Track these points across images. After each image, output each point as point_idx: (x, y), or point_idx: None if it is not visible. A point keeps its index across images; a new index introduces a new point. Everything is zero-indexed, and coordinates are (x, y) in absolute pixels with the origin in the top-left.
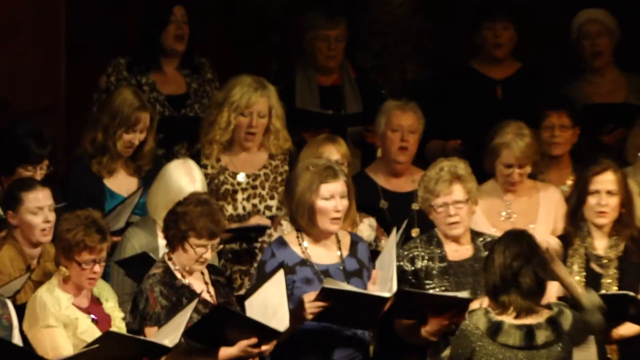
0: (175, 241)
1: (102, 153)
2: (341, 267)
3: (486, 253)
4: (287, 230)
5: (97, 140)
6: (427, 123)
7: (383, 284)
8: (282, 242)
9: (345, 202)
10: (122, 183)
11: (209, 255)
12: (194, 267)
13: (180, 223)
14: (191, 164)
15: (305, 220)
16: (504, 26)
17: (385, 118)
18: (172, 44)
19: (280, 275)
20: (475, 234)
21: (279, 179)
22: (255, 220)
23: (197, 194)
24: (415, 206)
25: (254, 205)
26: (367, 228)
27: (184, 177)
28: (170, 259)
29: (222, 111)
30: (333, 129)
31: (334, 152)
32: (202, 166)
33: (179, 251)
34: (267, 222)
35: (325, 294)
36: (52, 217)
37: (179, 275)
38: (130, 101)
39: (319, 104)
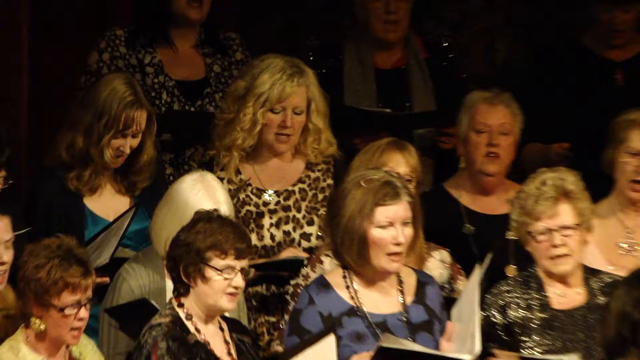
0: (190, 273)
1: (83, 164)
2: (404, 318)
3: (604, 299)
4: (330, 268)
5: (76, 146)
6: (525, 121)
7: (461, 341)
8: (323, 285)
9: (409, 231)
10: (108, 204)
11: (241, 282)
12: (222, 303)
13: (193, 245)
14: (211, 180)
15: (354, 255)
16: (624, 9)
17: (469, 115)
18: (183, 9)
19: (330, 342)
20: (589, 273)
21: (320, 196)
22: (288, 254)
23: (205, 212)
24: (509, 235)
25: (287, 234)
26: (438, 265)
27: (204, 200)
28: (181, 305)
29: (245, 106)
30: (394, 131)
31: (401, 164)
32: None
33: (196, 287)
34: (304, 256)
35: (382, 355)
36: (7, 256)
37: (192, 329)
38: (121, 94)
39: (374, 95)
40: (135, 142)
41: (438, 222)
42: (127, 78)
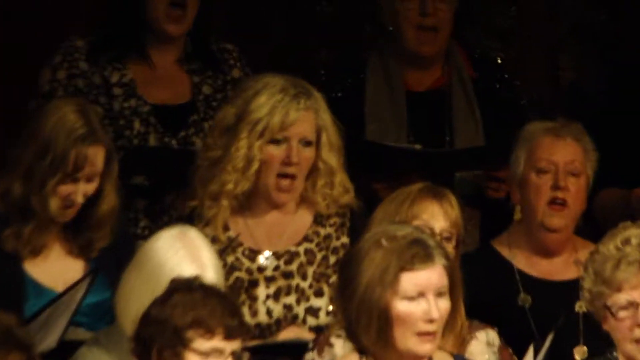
0: (165, 359)
1: (22, 217)
2: None
3: None
4: (342, 352)
5: (13, 193)
6: (599, 159)
7: None
8: None
9: (444, 304)
10: (56, 270)
11: None
12: None
13: (169, 323)
14: (195, 237)
15: (373, 335)
16: None
17: (527, 150)
18: (161, 19)
19: None
20: None
21: (332, 259)
22: (289, 335)
23: (183, 279)
24: (580, 307)
25: (288, 308)
26: (484, 348)
27: (185, 263)
28: None
29: (237, 139)
30: (428, 174)
31: (438, 217)
32: None
33: None
34: (309, 337)
35: None
36: None
37: None
38: (70, 125)
39: (405, 125)
40: (90, 188)
41: (484, 291)
42: (80, 105)
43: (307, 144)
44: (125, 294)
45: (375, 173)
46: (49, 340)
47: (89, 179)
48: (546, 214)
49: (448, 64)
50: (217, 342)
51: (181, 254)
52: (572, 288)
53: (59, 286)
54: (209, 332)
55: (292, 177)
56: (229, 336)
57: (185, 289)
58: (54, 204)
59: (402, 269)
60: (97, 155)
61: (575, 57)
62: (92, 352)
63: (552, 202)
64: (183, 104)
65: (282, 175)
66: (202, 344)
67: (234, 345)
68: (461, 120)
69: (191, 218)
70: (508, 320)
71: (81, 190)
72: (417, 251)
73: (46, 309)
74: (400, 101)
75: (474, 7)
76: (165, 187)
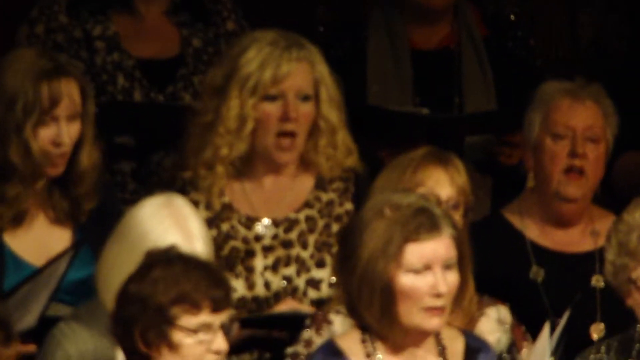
0: (151, 340)
1: (2, 177)
2: None
3: None
4: (341, 329)
5: None
6: (621, 123)
7: None
8: (333, 353)
9: (453, 277)
10: (39, 242)
11: (223, 344)
12: None
13: (151, 301)
14: (182, 206)
15: (376, 311)
16: None
17: (542, 114)
18: None
19: None
20: None
21: (335, 227)
22: (288, 306)
23: (158, 251)
24: (597, 281)
25: (287, 279)
26: (495, 326)
27: (171, 232)
28: None
29: (228, 98)
30: (436, 140)
31: (444, 183)
32: None
33: (161, 359)
34: (308, 311)
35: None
36: None
37: None
38: (35, 64)
39: (411, 87)
40: (73, 129)
41: (494, 264)
42: (41, 50)
43: (305, 98)
44: (106, 266)
45: (379, 139)
46: (28, 319)
47: (70, 118)
48: (562, 182)
49: (457, 20)
50: (205, 317)
51: (167, 223)
52: (588, 261)
53: (41, 260)
54: (195, 307)
55: (292, 134)
56: (216, 309)
57: (164, 262)
58: (37, 149)
59: (407, 239)
60: (71, 89)
61: (595, 13)
62: (72, 327)
63: (569, 170)
64: (171, 58)
65: (282, 134)
66: (189, 320)
67: (223, 317)
68: (471, 81)
69: (182, 191)
70: (519, 295)
71: (65, 132)
72: (423, 221)
73: (24, 285)
74: (406, 60)
75: None
76: (151, 145)
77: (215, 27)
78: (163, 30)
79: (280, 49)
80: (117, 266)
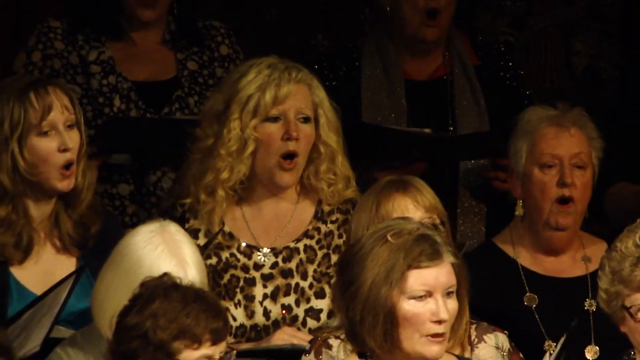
0: None
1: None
2: None
3: None
4: (342, 356)
5: None
6: (613, 150)
7: None
8: None
9: (453, 304)
10: (44, 270)
11: None
12: None
13: (151, 336)
14: (176, 232)
15: (379, 337)
16: None
17: (529, 143)
18: (133, 7)
19: None
20: None
21: (334, 258)
22: (285, 334)
23: (153, 281)
24: (590, 305)
25: (287, 308)
26: (492, 352)
27: (164, 259)
28: None
29: (229, 120)
30: (434, 162)
31: (410, 209)
32: (188, 233)
33: None
34: (305, 342)
35: None
36: None
37: None
38: (16, 81)
39: (405, 116)
40: (75, 136)
41: (489, 292)
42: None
43: (305, 119)
44: (101, 292)
45: (377, 159)
46: (31, 345)
47: (68, 126)
48: (553, 212)
49: (449, 51)
50: (205, 350)
51: (160, 249)
52: (580, 285)
53: (41, 287)
54: (196, 342)
55: (294, 154)
56: (216, 341)
57: (162, 293)
58: (24, 165)
59: (409, 266)
60: (60, 97)
61: (590, 41)
62: (67, 353)
63: (559, 200)
64: (166, 80)
65: (284, 156)
66: (190, 354)
67: (222, 347)
68: (464, 110)
69: (182, 218)
70: (515, 322)
71: (67, 137)
72: (425, 248)
73: (27, 311)
74: (399, 90)
75: None
76: (149, 164)
77: (209, 51)
78: (158, 53)
79: (279, 70)
80: (112, 292)
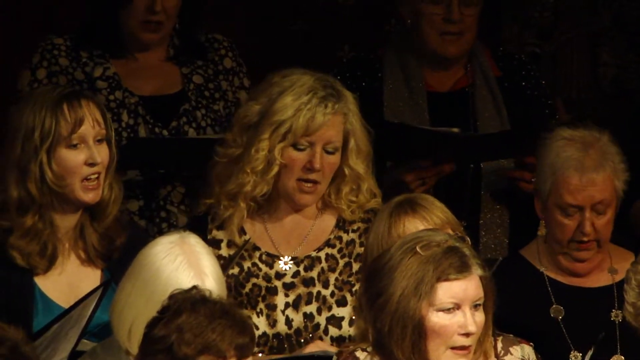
0: None
1: (21, 213)
2: None
3: None
4: None
5: (8, 196)
6: (636, 162)
7: None
8: None
9: (480, 317)
10: (69, 282)
11: None
12: None
13: (176, 350)
14: (195, 244)
15: (407, 349)
16: None
17: (552, 181)
18: (137, 31)
19: None
20: None
21: (356, 267)
22: (314, 349)
23: (182, 294)
24: (616, 315)
25: (308, 317)
26: None
27: (183, 271)
28: None
29: (259, 139)
30: (460, 163)
31: (420, 229)
32: (211, 244)
33: None
34: (332, 351)
35: None
36: None
37: None
38: (50, 91)
39: (427, 127)
40: (104, 151)
41: (515, 303)
42: (56, 85)
43: (332, 151)
44: (120, 303)
45: (403, 159)
46: (57, 359)
47: (97, 140)
48: (572, 248)
49: (471, 63)
50: None
51: (179, 260)
52: (607, 295)
53: (70, 302)
54: (221, 357)
55: (314, 183)
56: (241, 357)
57: (189, 307)
58: (51, 176)
59: (438, 279)
60: (93, 111)
61: (617, 52)
62: None
63: (579, 242)
64: (173, 94)
65: (303, 181)
66: None
67: None
68: (486, 121)
69: (204, 218)
70: (541, 333)
71: (96, 151)
72: (454, 260)
73: (53, 325)
74: (422, 102)
75: (512, 1)
76: (157, 181)
77: (214, 64)
78: (162, 68)
79: (317, 98)
80: (130, 303)
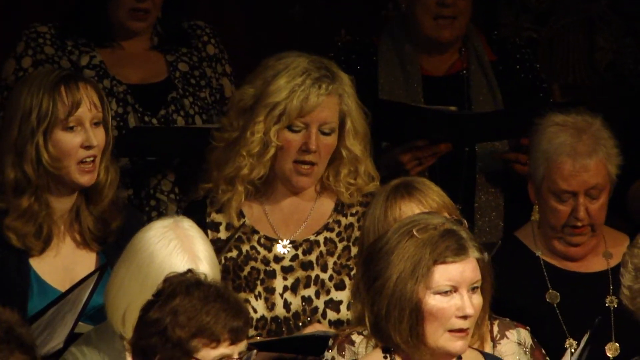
0: None
1: (18, 193)
2: None
3: None
4: (363, 350)
5: (6, 176)
6: (635, 146)
7: None
8: None
9: (478, 300)
10: (64, 265)
11: None
12: None
13: (170, 333)
14: (189, 228)
15: (405, 331)
16: None
17: (545, 167)
18: (124, 19)
19: None
20: None
21: (354, 250)
22: (314, 329)
23: (177, 277)
24: (611, 301)
25: (307, 300)
26: (515, 348)
27: (177, 255)
28: None
29: (254, 121)
30: (457, 142)
31: (416, 212)
32: (210, 226)
33: None
34: (332, 332)
35: None
36: None
37: None
38: (48, 74)
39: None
40: (100, 134)
41: (511, 287)
42: (53, 66)
43: (328, 132)
44: (114, 287)
45: (400, 138)
46: (54, 343)
47: (94, 124)
48: (566, 233)
49: (466, 47)
50: (223, 349)
51: (173, 245)
52: (602, 281)
53: (66, 285)
54: (215, 341)
55: (311, 165)
56: (235, 340)
57: (184, 290)
58: (47, 157)
59: (435, 261)
60: (90, 93)
61: (613, 37)
62: (82, 351)
63: (573, 227)
64: (159, 82)
65: (300, 162)
66: (208, 352)
67: (241, 346)
68: (481, 105)
69: (203, 203)
70: (536, 318)
71: (92, 134)
72: (450, 243)
73: (50, 309)
74: (417, 86)
75: None
76: (148, 168)
77: (197, 51)
78: (148, 56)
79: (311, 80)
80: (125, 287)
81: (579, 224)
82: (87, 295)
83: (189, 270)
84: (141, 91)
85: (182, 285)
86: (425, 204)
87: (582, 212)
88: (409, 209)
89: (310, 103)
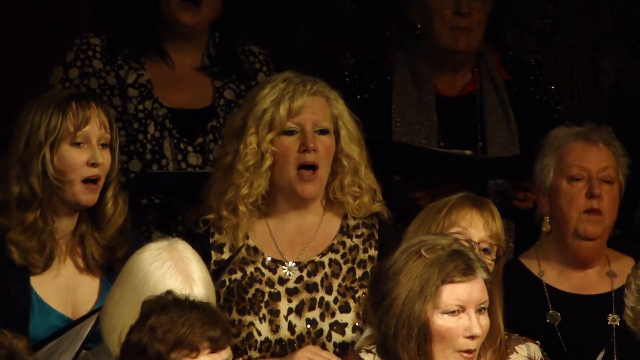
0: None
1: (23, 208)
2: None
3: None
4: None
5: (9, 191)
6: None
7: None
8: None
9: (485, 320)
10: (66, 288)
11: None
12: None
13: (149, 349)
14: (184, 249)
15: (412, 351)
16: None
17: (556, 158)
18: (174, 9)
19: None
20: None
21: (359, 273)
22: (307, 355)
23: (154, 298)
24: (613, 320)
25: (311, 323)
26: None
27: (170, 276)
28: None
29: (246, 135)
30: (469, 182)
31: (478, 226)
32: (214, 248)
33: None
34: (328, 358)
35: None
36: None
37: None
38: (60, 92)
39: (435, 131)
40: (106, 155)
41: (513, 307)
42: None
43: (323, 131)
44: (110, 309)
45: (412, 176)
46: None
47: (101, 144)
48: (582, 221)
49: (479, 67)
50: (204, 358)
51: (167, 266)
52: (604, 302)
53: (67, 308)
54: (194, 350)
55: (313, 166)
56: (215, 349)
57: (159, 309)
58: (52, 171)
59: (443, 281)
60: (100, 114)
61: (617, 58)
62: None
63: (588, 211)
64: (202, 109)
65: (303, 167)
66: None
67: (223, 355)
68: (494, 125)
69: (205, 235)
70: (537, 339)
71: (98, 153)
72: (459, 263)
73: (52, 341)
74: (430, 105)
75: (513, 7)
76: (174, 206)
77: (247, 79)
78: (196, 79)
79: (294, 84)
80: (120, 310)
81: (595, 204)
82: (84, 335)
83: (169, 292)
84: (182, 116)
85: (157, 304)
86: (489, 226)
87: (597, 189)
88: (475, 219)
89: (297, 102)
